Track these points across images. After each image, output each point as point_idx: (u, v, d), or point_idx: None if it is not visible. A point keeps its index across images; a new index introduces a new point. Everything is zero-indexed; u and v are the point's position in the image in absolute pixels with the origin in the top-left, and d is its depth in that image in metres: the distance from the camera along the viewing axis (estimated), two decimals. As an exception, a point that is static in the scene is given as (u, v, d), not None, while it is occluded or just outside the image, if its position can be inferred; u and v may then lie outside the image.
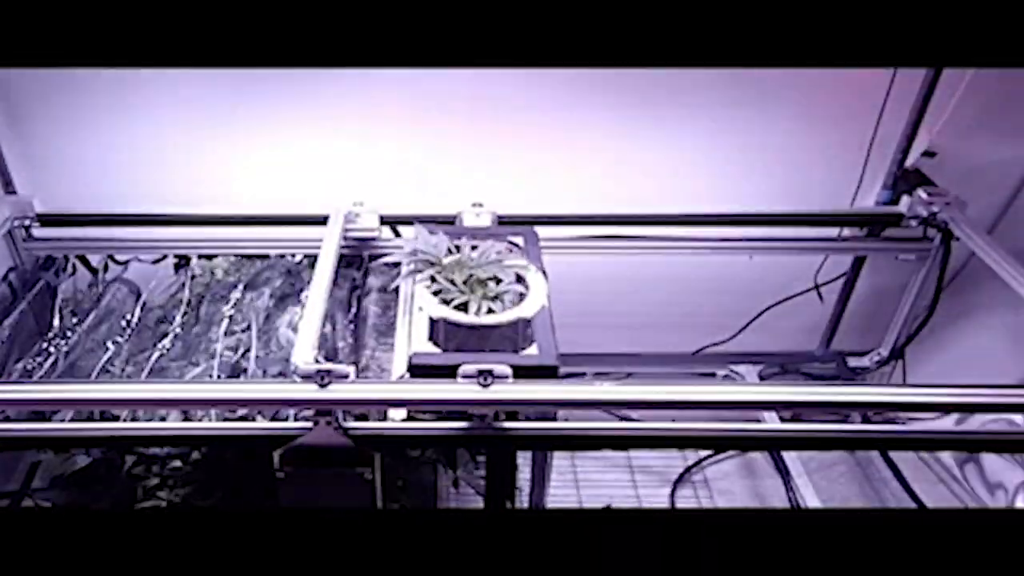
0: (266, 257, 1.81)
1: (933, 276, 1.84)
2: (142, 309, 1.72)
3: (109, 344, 1.62)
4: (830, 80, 1.82)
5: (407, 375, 1.24)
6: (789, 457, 2.03)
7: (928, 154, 1.87)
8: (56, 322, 1.69)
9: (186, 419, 1.37)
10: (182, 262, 1.81)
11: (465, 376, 1.18)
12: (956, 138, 1.85)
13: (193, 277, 1.77)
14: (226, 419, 1.35)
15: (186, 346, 1.59)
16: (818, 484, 1.97)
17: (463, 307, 1.29)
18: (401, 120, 1.85)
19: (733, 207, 1.81)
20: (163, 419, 1.37)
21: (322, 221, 1.70)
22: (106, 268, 1.82)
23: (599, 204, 1.79)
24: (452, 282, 1.30)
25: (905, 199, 1.81)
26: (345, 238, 1.66)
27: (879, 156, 1.89)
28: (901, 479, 1.99)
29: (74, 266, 1.81)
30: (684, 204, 1.79)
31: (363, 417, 1.29)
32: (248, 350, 1.56)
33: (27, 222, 1.75)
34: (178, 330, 1.65)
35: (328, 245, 1.57)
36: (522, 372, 1.19)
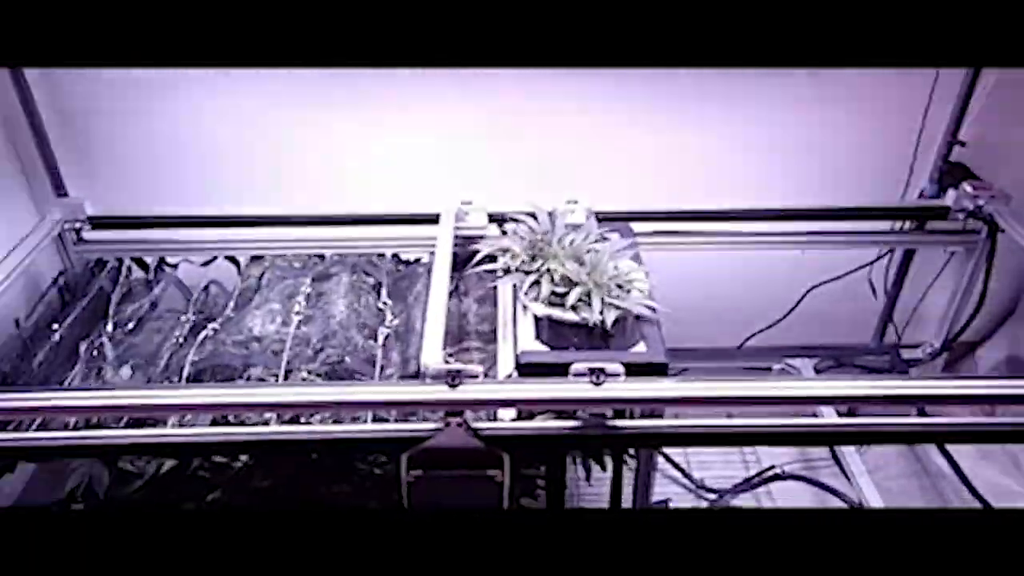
0: (322, 257, 1.79)
1: (981, 268, 1.83)
2: (196, 309, 1.69)
3: (170, 343, 1.59)
4: (880, 76, 1.81)
5: (515, 374, 1.21)
6: (849, 452, 2.02)
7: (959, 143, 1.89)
8: (110, 327, 1.65)
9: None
10: (235, 263, 1.79)
11: (577, 374, 1.15)
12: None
13: (248, 277, 1.75)
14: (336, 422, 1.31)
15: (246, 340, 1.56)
16: (879, 482, 1.95)
17: (564, 303, 1.25)
18: (486, 118, 1.84)
19: (784, 202, 1.80)
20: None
21: (375, 220, 1.71)
22: (158, 270, 1.78)
23: (650, 201, 1.76)
24: (553, 280, 1.27)
25: (951, 192, 1.81)
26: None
27: (926, 150, 1.91)
28: (961, 475, 1.97)
29: (129, 269, 1.76)
30: (737, 199, 1.78)
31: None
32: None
33: (78, 225, 1.71)
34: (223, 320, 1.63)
35: (443, 244, 1.53)
36: (631, 370, 1.16)
